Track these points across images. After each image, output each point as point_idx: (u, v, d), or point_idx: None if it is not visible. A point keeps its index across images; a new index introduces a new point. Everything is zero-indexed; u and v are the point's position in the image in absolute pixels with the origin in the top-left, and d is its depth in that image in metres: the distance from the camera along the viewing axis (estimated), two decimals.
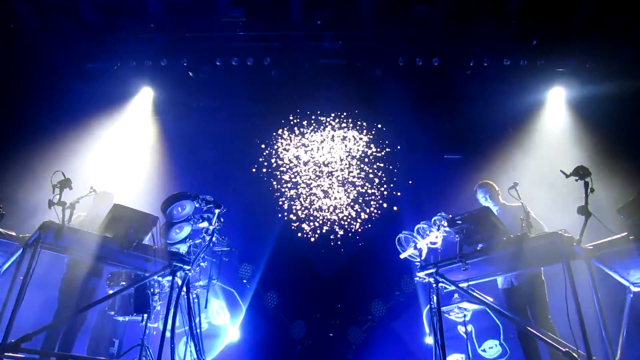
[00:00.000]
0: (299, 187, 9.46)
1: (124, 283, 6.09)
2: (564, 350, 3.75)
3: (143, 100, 9.66)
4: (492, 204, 5.31)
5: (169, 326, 4.76)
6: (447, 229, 4.62)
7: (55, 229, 4.24)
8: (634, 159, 7.95)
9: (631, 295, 4.12)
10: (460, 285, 4.66)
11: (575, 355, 3.58)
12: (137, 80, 9.47)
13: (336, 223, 9.15)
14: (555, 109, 9.29)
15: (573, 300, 3.57)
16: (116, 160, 8.74)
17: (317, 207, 9.29)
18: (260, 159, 9.63)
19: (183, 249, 5.18)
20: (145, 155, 9.23)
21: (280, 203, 9.29)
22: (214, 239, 5.34)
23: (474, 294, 4.58)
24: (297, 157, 9.68)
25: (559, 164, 4.30)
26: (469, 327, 5.97)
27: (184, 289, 4.96)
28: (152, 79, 9.52)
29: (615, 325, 3.96)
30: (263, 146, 9.70)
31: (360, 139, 9.77)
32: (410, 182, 9.22)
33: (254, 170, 9.57)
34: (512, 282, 4.86)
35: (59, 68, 8.97)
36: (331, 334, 8.19)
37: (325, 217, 9.20)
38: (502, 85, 9.09)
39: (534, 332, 4.18)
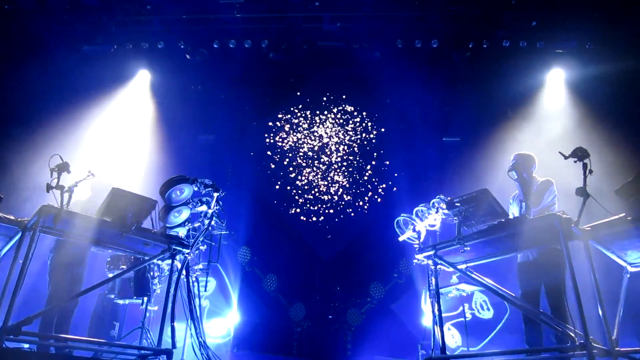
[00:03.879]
0: (298, 171, 9.46)
1: (123, 267, 6.12)
2: (560, 329, 3.79)
3: (140, 83, 9.60)
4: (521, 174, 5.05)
5: (169, 309, 4.78)
6: (446, 211, 4.62)
7: (54, 212, 4.23)
8: (633, 140, 7.95)
9: (628, 276, 4.16)
10: (459, 267, 4.68)
11: (572, 335, 3.62)
12: (134, 63, 9.39)
13: (335, 206, 9.16)
14: (555, 91, 9.24)
15: (571, 281, 3.59)
16: (114, 143, 8.70)
17: (316, 191, 9.30)
18: (259, 143, 9.61)
19: (182, 232, 5.18)
20: (143, 138, 9.20)
21: (279, 187, 9.30)
22: (212, 222, 5.34)
23: (473, 275, 4.61)
24: (296, 141, 9.65)
25: (558, 146, 4.28)
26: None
27: (184, 272, 4.98)
28: (149, 62, 9.45)
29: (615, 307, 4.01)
30: (265, 134, 9.68)
31: (359, 122, 9.73)
32: (409, 164, 9.21)
33: (252, 154, 9.55)
34: (529, 256, 4.69)
35: (55, 50, 8.88)
36: (330, 316, 8.25)
37: (325, 201, 9.22)
38: (501, 67, 9.04)
39: (523, 308, 4.22)
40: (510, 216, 4.84)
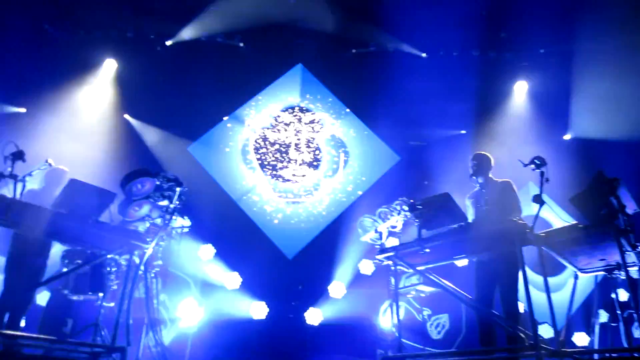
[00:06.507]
0: (264, 167, 9.43)
1: (79, 261, 5.93)
2: (511, 330, 3.91)
3: (106, 72, 9.34)
4: (478, 176, 5.18)
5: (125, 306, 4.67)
6: (408, 213, 4.69)
7: (7, 202, 4.07)
8: (588, 152, 8.28)
9: (577, 280, 4.32)
10: (419, 268, 4.75)
11: (523, 335, 3.73)
12: (101, 51, 9.14)
13: (300, 205, 9.17)
14: (519, 102, 9.54)
15: (524, 284, 3.70)
16: (74, 133, 8.44)
17: (282, 188, 9.29)
18: (226, 136, 9.53)
19: (142, 227, 5.08)
20: (106, 129, 8.95)
21: (244, 183, 9.24)
22: (174, 218, 5.26)
23: (432, 277, 4.68)
24: (264, 137, 9.61)
25: (518, 154, 4.41)
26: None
27: (142, 268, 4.88)
28: (117, 51, 9.21)
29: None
30: (229, 125, 9.60)
31: (328, 120, 9.78)
32: (375, 166, 9.32)
33: (227, 150, 9.45)
34: (485, 257, 4.77)
35: (17, 30, 8.49)
36: (291, 315, 8.25)
37: (290, 199, 9.21)
38: (469, 76, 9.24)
39: (477, 309, 4.33)
40: (468, 217, 4.98)
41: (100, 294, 5.71)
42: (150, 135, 9.29)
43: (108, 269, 5.82)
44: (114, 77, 9.37)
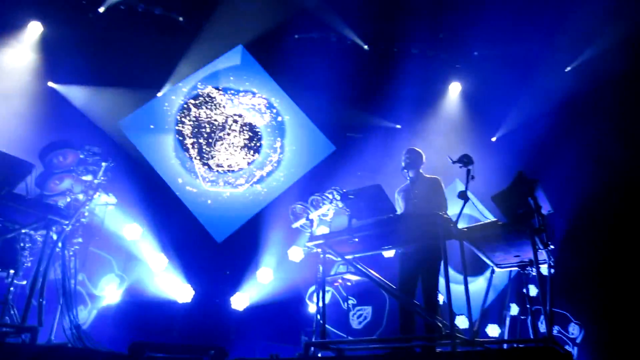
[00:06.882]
0: (197, 148, 9.18)
1: None
2: (430, 320, 4.09)
3: (30, 35, 8.66)
4: (409, 170, 5.31)
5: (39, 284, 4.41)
6: (340, 203, 4.74)
7: None
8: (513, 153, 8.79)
9: (494, 275, 4.59)
10: (347, 257, 4.83)
11: (440, 325, 3.91)
12: (25, 12, 8.43)
13: (232, 189, 9.04)
14: (452, 102, 9.93)
15: (444, 277, 3.86)
16: None
17: (215, 171, 9.10)
18: (160, 115, 9.16)
19: (62, 202, 4.80)
20: (26, 96, 8.31)
21: (174, 163, 8.95)
22: (98, 194, 5.01)
23: (358, 266, 4.77)
24: (197, 117, 9.35)
25: (448, 152, 4.58)
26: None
27: (60, 245, 4.61)
28: (43, 13, 8.54)
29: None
30: (165, 103, 9.25)
31: (265, 105, 9.67)
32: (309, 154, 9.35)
33: (152, 127, 9.08)
34: (410, 248, 4.88)
35: None
36: (217, 300, 8.16)
37: (223, 181, 9.05)
38: (408, 72, 9.47)
39: (399, 298, 4.50)
40: (397, 209, 5.12)
41: (12, 271, 5.34)
42: (79, 100, 8.71)
43: (22, 244, 5.45)
44: (38, 41, 8.70)
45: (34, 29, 8.68)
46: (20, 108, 8.04)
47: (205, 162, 9.12)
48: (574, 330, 8.24)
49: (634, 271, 7.82)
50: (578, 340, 8.18)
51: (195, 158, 9.10)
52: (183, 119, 9.26)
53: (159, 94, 9.28)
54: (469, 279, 3.96)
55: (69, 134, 6.83)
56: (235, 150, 9.30)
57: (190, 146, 9.15)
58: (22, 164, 4.36)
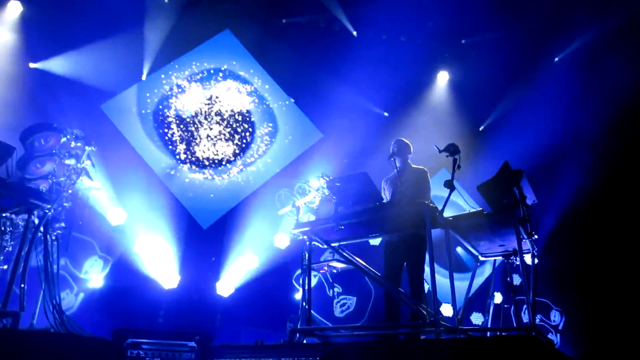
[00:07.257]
0: (183, 131, 9.07)
1: None
2: (415, 308, 4.12)
3: (9, 14, 8.42)
4: (397, 159, 5.30)
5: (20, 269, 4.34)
6: (326, 190, 4.73)
7: None
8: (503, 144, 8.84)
9: (478, 264, 4.62)
10: (333, 244, 4.83)
11: (425, 313, 3.94)
12: None
13: (219, 174, 8.97)
14: (440, 92, 9.94)
15: (430, 265, 3.89)
16: None
17: (202, 156, 9.01)
18: (143, 99, 9.01)
19: (44, 186, 4.71)
20: (6, 77, 8.11)
21: (158, 147, 8.84)
22: (81, 178, 4.93)
23: (344, 253, 4.78)
24: (183, 103, 9.22)
25: (435, 141, 4.57)
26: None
27: (42, 229, 4.54)
28: None
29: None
30: (156, 91, 9.09)
31: (252, 91, 9.58)
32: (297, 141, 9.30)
33: (143, 112, 8.93)
34: (395, 236, 4.88)
35: None
36: (202, 286, 8.14)
37: (209, 166, 8.97)
38: (395, 61, 9.43)
39: (385, 286, 4.52)
40: (384, 198, 5.12)
41: None
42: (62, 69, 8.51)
43: (2, 228, 5.36)
44: (17, 20, 8.47)
45: (14, 9, 8.45)
46: (0, 90, 7.86)
47: (192, 148, 9.02)
48: (555, 317, 8.39)
49: (611, 258, 7.98)
50: (560, 327, 8.34)
51: (180, 143, 8.99)
52: (167, 104, 9.13)
53: (143, 77, 9.12)
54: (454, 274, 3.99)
55: (51, 118, 6.71)
56: (222, 137, 9.20)
57: (176, 131, 9.03)
58: (3, 147, 4.28)
